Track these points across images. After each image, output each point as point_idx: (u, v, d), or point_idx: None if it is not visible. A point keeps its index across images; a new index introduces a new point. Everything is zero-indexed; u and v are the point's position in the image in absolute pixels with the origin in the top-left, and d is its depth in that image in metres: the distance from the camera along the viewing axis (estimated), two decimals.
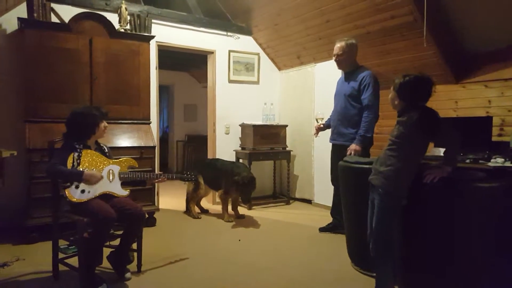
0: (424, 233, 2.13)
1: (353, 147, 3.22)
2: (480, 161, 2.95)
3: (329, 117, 3.68)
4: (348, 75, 3.40)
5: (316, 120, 3.67)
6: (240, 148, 5.05)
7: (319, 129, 3.63)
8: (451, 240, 2.05)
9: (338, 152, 3.40)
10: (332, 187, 3.67)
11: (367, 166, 2.46)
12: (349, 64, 3.37)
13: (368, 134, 3.21)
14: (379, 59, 4.07)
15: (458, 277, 2.05)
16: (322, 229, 3.69)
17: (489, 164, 2.84)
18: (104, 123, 2.60)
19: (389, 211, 2.08)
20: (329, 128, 3.62)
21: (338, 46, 3.34)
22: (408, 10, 3.28)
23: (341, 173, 2.86)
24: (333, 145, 3.59)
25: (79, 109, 2.59)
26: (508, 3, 2.98)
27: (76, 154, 2.44)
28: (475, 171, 2.29)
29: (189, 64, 7.45)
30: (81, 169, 2.41)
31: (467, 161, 3.00)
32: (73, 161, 2.41)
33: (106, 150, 2.68)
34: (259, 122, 5.02)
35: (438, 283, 2.10)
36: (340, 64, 3.41)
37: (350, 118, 3.34)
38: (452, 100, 3.71)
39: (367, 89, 3.23)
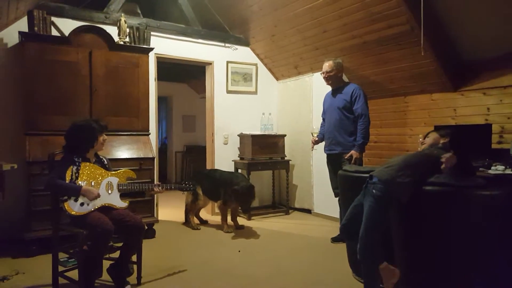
0: (425, 240, 2.13)
1: (355, 154, 3.44)
2: (481, 169, 2.95)
3: (319, 131, 3.91)
4: (336, 91, 3.69)
5: (312, 134, 3.95)
6: (238, 158, 5.06)
7: (315, 143, 3.87)
8: (451, 247, 2.05)
9: (336, 161, 3.59)
10: (333, 197, 3.69)
11: (366, 174, 2.47)
12: (337, 81, 3.67)
13: (366, 140, 3.49)
14: (376, 68, 4.11)
15: (458, 282, 2.04)
16: (334, 239, 3.67)
17: (490, 171, 2.84)
18: (103, 136, 2.61)
19: (382, 208, 2.06)
20: (323, 140, 3.83)
21: (326, 64, 3.65)
22: (404, 20, 3.32)
23: (341, 183, 2.86)
24: (329, 155, 3.75)
25: (79, 122, 2.60)
26: (505, 11, 3.02)
27: (75, 167, 2.44)
28: (476, 178, 2.30)
29: (187, 76, 7.50)
30: (79, 183, 2.42)
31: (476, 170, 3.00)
32: (72, 175, 2.42)
33: (106, 162, 2.69)
34: (257, 132, 5.03)
35: (438, 286, 2.10)
36: (329, 81, 3.70)
37: (347, 128, 3.57)
38: (451, 108, 3.73)
39: (358, 100, 3.51)
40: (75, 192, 2.37)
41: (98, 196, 2.44)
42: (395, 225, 2.21)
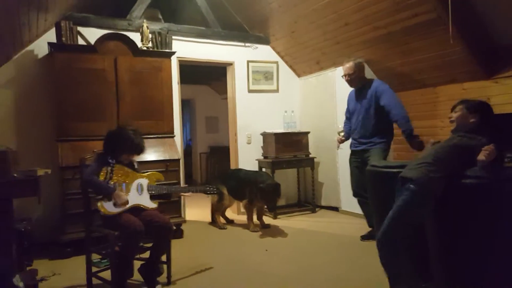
0: (461, 236, 2.05)
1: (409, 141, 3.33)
2: None
3: (343, 129, 3.86)
4: (359, 90, 3.60)
5: (338, 133, 3.87)
6: (262, 157, 5.05)
7: (341, 142, 3.82)
8: (489, 242, 1.97)
9: (359, 157, 3.57)
10: None
11: (396, 170, 2.40)
12: (359, 81, 3.57)
13: (410, 126, 3.30)
14: (403, 59, 3.99)
15: (498, 277, 1.96)
16: (364, 237, 3.60)
17: None
18: (128, 157, 2.64)
19: (415, 202, 1.99)
20: (348, 139, 3.80)
21: (347, 66, 3.55)
22: (431, 7, 3.20)
23: (369, 179, 2.79)
24: (353, 151, 3.71)
25: (119, 131, 2.67)
26: None
27: (109, 168, 2.53)
28: (507, 169, 2.20)
29: (209, 77, 7.58)
30: (112, 186, 2.49)
31: (506, 160, 2.86)
32: (106, 175, 2.50)
33: (135, 165, 2.76)
34: (280, 130, 5.01)
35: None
36: (352, 82, 3.59)
37: (373, 127, 3.49)
38: (484, 97, 3.52)
39: (385, 94, 3.40)
40: (108, 193, 2.46)
41: (127, 203, 2.50)
42: (430, 223, 2.14)
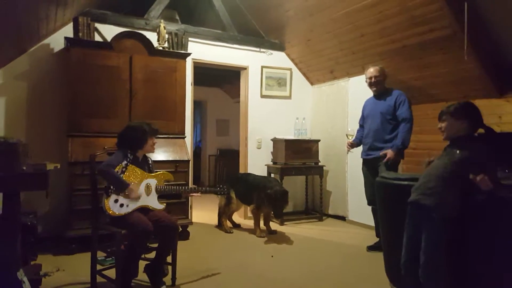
0: (474, 253, 2.01)
1: (390, 154, 3.36)
2: None
3: (356, 135, 3.81)
4: (379, 96, 3.63)
5: (347, 136, 3.80)
6: (272, 163, 5.03)
7: (351, 146, 3.77)
8: (500, 258, 1.92)
9: (371, 166, 3.55)
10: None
11: (406, 182, 2.37)
12: (382, 86, 3.62)
13: (406, 143, 3.40)
14: (416, 73, 3.96)
15: None
16: (370, 248, 3.57)
17: None
18: (153, 140, 2.68)
19: (442, 229, 1.96)
20: (359, 145, 3.76)
21: (372, 70, 3.60)
22: (447, 23, 3.19)
23: (378, 190, 2.76)
24: (364, 160, 3.68)
25: (133, 123, 2.71)
26: None
27: (124, 162, 2.54)
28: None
29: (221, 80, 7.60)
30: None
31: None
32: (120, 169, 2.51)
33: (150, 163, 2.77)
34: (291, 136, 4.99)
35: None
36: (377, 86, 3.60)
37: (387, 134, 3.51)
38: (496, 115, 3.52)
39: (403, 105, 3.46)
40: (122, 187, 2.45)
41: (139, 197, 2.51)
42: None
